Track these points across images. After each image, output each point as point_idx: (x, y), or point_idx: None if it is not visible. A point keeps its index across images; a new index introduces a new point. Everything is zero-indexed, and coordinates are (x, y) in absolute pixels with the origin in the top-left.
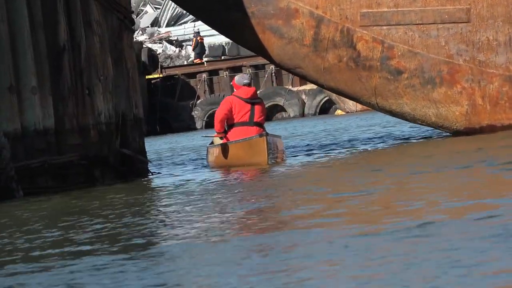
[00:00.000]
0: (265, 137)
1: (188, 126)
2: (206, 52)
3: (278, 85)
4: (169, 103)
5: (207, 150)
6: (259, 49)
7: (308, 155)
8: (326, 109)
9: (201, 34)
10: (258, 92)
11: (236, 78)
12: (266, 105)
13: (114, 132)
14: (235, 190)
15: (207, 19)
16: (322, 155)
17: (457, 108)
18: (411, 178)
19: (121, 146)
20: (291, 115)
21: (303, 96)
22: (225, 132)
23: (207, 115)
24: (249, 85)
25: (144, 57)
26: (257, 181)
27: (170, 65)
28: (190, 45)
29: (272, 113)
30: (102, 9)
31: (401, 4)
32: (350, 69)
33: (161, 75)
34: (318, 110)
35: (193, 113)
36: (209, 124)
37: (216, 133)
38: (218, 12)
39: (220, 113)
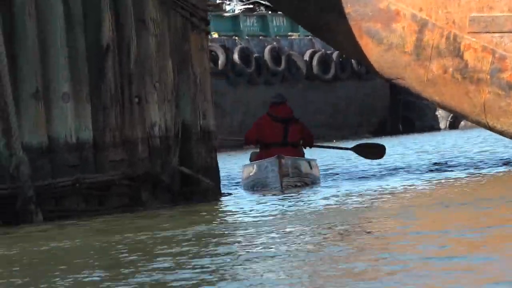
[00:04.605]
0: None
1: (431, 126)
2: None
3: None
4: (413, 101)
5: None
6: (356, 55)
7: None
8: None
9: None
10: None
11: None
12: None
13: (171, 147)
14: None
15: (302, 21)
16: None
17: None
18: None
19: (181, 164)
20: None
21: None
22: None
23: (451, 115)
24: (280, 103)
25: None
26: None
27: None
28: None
29: None
30: (162, 5)
31: None
32: (456, 82)
33: None
34: None
35: (437, 113)
36: (453, 125)
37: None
38: (312, 13)
39: (249, 135)
